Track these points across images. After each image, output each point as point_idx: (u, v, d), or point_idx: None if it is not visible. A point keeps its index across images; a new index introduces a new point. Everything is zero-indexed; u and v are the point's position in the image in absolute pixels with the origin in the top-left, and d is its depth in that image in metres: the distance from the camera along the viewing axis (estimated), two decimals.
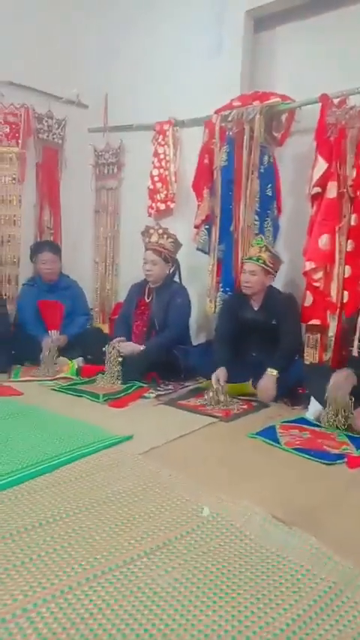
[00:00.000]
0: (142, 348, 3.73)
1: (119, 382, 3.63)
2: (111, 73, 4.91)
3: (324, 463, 2.41)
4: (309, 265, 3.41)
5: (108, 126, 5.01)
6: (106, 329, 4.87)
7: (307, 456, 2.47)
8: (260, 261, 3.45)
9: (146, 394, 3.47)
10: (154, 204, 4.61)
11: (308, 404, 3.09)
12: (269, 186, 3.73)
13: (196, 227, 4.08)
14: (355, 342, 3.05)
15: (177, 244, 3.93)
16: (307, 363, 3.50)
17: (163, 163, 4.51)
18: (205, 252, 4.06)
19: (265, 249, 3.49)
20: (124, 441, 2.57)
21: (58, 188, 4.89)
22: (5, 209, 4.47)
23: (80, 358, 4.06)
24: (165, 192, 4.51)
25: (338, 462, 2.42)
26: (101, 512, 1.85)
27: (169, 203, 4.53)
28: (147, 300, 3.97)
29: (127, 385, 3.57)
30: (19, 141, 4.48)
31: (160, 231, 3.87)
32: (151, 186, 4.60)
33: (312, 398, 3.05)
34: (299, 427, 2.88)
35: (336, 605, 1.40)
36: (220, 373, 3.36)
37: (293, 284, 3.86)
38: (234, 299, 3.72)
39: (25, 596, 1.38)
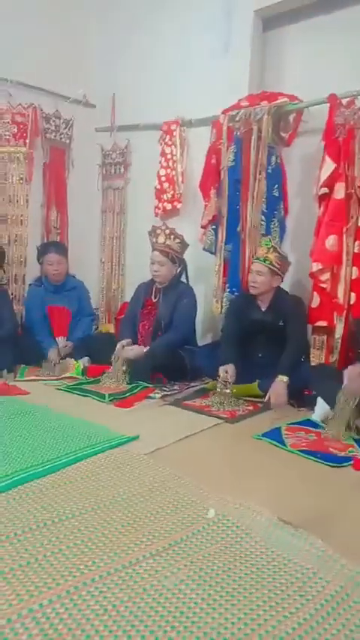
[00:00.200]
0: (145, 349, 3.72)
1: (125, 382, 3.62)
2: (118, 72, 4.91)
3: (330, 465, 2.40)
4: (316, 266, 3.40)
5: (115, 125, 5.01)
6: (111, 329, 4.88)
7: (313, 458, 2.46)
8: (267, 261, 3.44)
9: (152, 394, 3.46)
10: (160, 204, 4.60)
11: (314, 405, 3.07)
12: (276, 186, 3.72)
13: (203, 227, 4.07)
14: None
15: (184, 245, 3.92)
16: (313, 364, 3.48)
17: (170, 163, 4.51)
18: (212, 253, 4.05)
19: (273, 250, 3.47)
20: (130, 441, 2.57)
21: (65, 188, 4.90)
22: (12, 209, 4.48)
23: (86, 358, 4.06)
24: (172, 192, 4.51)
25: (344, 464, 2.41)
26: (107, 513, 1.85)
27: (175, 203, 4.52)
28: (154, 300, 3.96)
29: (133, 385, 3.57)
30: (27, 141, 4.48)
31: (168, 231, 3.86)
32: (158, 186, 4.59)
33: (318, 399, 3.04)
34: (305, 429, 2.87)
35: (342, 608, 1.39)
36: (229, 367, 3.35)
37: (300, 285, 3.85)
38: (241, 299, 3.71)
39: (30, 596, 1.38)
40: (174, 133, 4.48)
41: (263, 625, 1.31)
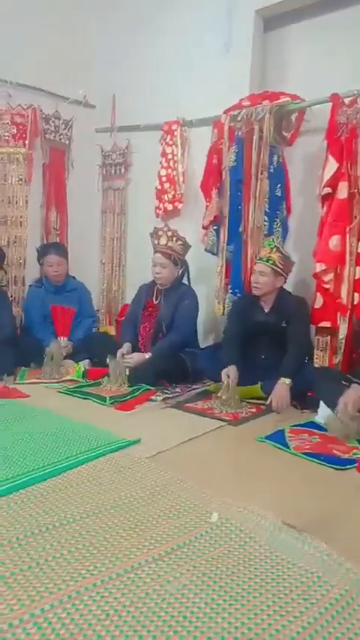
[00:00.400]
0: (147, 356, 3.70)
1: (126, 385, 3.59)
2: (118, 72, 4.89)
3: (334, 468, 2.37)
4: (319, 267, 3.37)
5: (115, 126, 4.99)
6: (112, 331, 4.86)
7: (316, 461, 2.44)
8: (270, 261, 3.42)
9: (153, 397, 3.44)
10: (161, 205, 4.58)
11: (317, 407, 3.05)
12: (279, 186, 3.70)
13: (205, 228, 4.05)
14: None
15: (186, 247, 3.91)
16: (316, 366, 3.46)
17: (171, 163, 4.49)
18: (214, 254, 4.03)
19: (276, 250, 3.45)
20: (131, 445, 2.55)
21: (64, 188, 4.88)
22: (12, 210, 4.46)
23: (87, 360, 4.04)
24: (173, 192, 4.49)
25: (348, 466, 2.39)
26: (108, 517, 1.83)
27: (176, 204, 4.50)
28: (155, 302, 3.94)
29: (134, 388, 3.54)
30: (26, 142, 4.46)
31: (170, 233, 3.85)
32: (159, 187, 4.57)
33: (322, 402, 3.02)
34: (309, 431, 2.84)
35: (348, 612, 1.37)
36: (231, 370, 3.33)
37: (303, 285, 3.83)
38: (244, 300, 3.68)
39: (32, 601, 1.36)
40: (175, 133, 4.46)
41: (267, 629, 1.29)
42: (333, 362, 3.43)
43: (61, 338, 4.12)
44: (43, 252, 4.31)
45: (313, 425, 2.94)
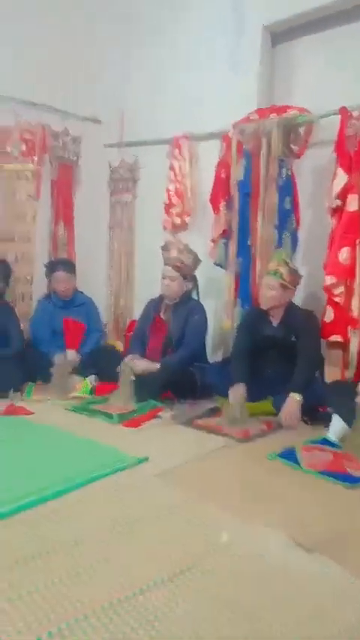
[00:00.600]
0: (157, 366, 3.66)
1: (133, 401, 3.53)
2: (127, 88, 4.92)
3: (346, 486, 2.31)
4: (329, 280, 3.34)
5: (124, 142, 5.00)
6: (119, 346, 4.81)
7: (329, 479, 2.37)
8: (278, 275, 3.38)
9: (161, 413, 3.38)
10: (169, 218, 4.57)
11: (329, 423, 2.98)
12: (287, 199, 3.68)
13: (213, 241, 4.03)
14: None
15: (197, 261, 3.88)
16: (328, 381, 3.39)
17: (180, 177, 4.48)
18: (223, 267, 4.00)
19: (284, 264, 3.41)
20: (139, 463, 2.48)
21: (72, 204, 4.88)
22: (20, 226, 4.45)
23: (93, 376, 3.98)
24: (181, 206, 4.48)
25: None
26: (117, 537, 1.78)
27: (185, 217, 4.49)
28: (163, 317, 3.91)
29: (141, 404, 3.47)
30: (35, 158, 4.46)
31: (181, 247, 3.83)
32: (167, 201, 4.56)
33: (334, 417, 2.94)
34: (321, 448, 2.77)
35: None
36: (240, 388, 3.28)
37: (314, 298, 3.78)
38: (253, 314, 3.64)
39: (39, 624, 1.32)
40: (183, 147, 4.46)
41: None
42: (345, 377, 3.37)
43: (69, 351, 4.07)
44: (51, 268, 4.29)
45: (326, 442, 2.86)
